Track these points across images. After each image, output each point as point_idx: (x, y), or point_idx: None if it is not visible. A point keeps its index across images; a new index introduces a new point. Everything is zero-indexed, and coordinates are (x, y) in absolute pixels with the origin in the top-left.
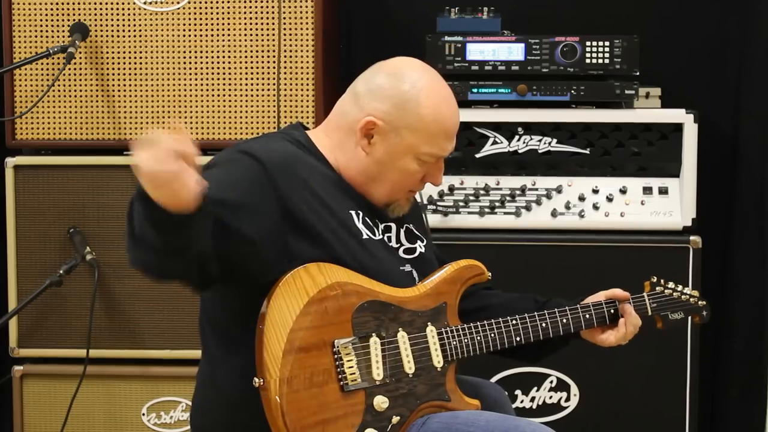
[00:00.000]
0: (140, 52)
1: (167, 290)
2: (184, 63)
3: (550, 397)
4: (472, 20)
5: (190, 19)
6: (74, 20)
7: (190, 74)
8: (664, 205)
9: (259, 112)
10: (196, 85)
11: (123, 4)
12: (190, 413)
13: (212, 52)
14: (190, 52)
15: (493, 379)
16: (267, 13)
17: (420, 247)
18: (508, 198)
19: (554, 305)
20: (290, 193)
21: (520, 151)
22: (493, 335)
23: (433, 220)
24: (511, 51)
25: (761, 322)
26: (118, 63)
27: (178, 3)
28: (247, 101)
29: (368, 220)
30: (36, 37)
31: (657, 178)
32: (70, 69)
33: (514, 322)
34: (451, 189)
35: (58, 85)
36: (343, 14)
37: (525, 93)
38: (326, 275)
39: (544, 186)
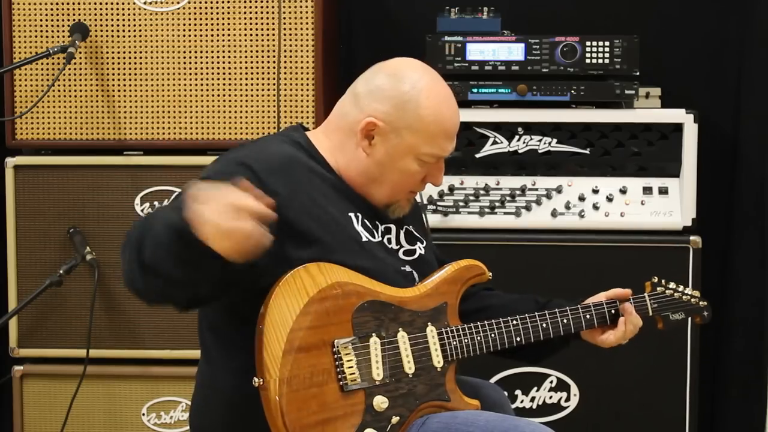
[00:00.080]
0: (140, 52)
1: None
2: (184, 63)
3: (550, 397)
4: (472, 20)
5: (190, 19)
6: (74, 20)
7: (190, 74)
8: (664, 205)
9: (259, 112)
10: (196, 85)
11: (123, 4)
12: (190, 414)
13: (212, 52)
14: (190, 52)
15: (493, 380)
16: (267, 13)
17: (420, 248)
18: (508, 198)
19: (555, 306)
20: (288, 202)
21: (520, 151)
22: (493, 335)
23: (433, 220)
24: (511, 51)
25: (761, 322)
26: (118, 63)
27: (178, 3)
28: (247, 101)
29: (367, 223)
30: (36, 37)
31: (657, 178)
32: (70, 69)
33: (514, 322)
34: (451, 189)
35: (58, 85)
36: (343, 14)
37: (525, 93)
38: (326, 275)
39: (544, 186)
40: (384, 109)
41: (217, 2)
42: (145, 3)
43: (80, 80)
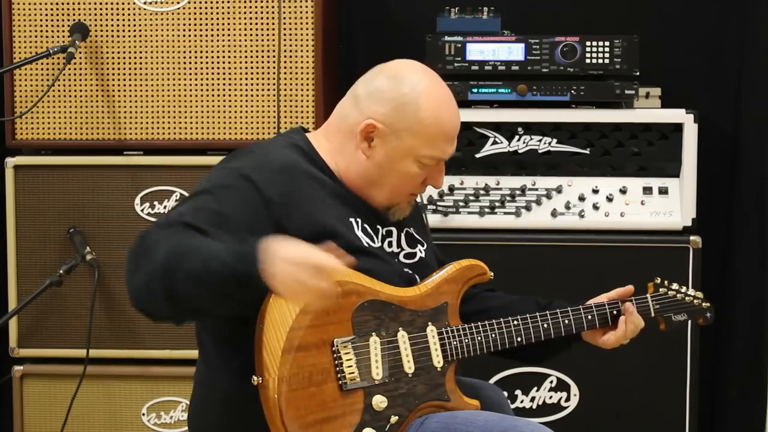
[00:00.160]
0: (140, 52)
1: None
2: (184, 63)
3: (550, 397)
4: (472, 20)
5: (190, 19)
6: (74, 20)
7: (190, 74)
8: (664, 205)
9: (259, 112)
10: (196, 85)
11: (123, 4)
12: (188, 413)
13: (212, 52)
14: (190, 52)
15: (493, 380)
16: (267, 13)
17: (420, 251)
18: (508, 198)
19: (556, 307)
20: (288, 211)
21: (520, 151)
22: (494, 335)
23: (433, 220)
24: (511, 51)
25: (761, 322)
26: (118, 63)
27: (178, 3)
28: (247, 101)
29: (368, 228)
30: (36, 37)
31: (657, 178)
32: (70, 69)
33: (515, 322)
34: (451, 189)
35: (58, 85)
36: (343, 14)
37: (525, 93)
38: None
39: (544, 186)
40: (383, 111)
41: (217, 2)
42: (145, 3)
43: (80, 80)
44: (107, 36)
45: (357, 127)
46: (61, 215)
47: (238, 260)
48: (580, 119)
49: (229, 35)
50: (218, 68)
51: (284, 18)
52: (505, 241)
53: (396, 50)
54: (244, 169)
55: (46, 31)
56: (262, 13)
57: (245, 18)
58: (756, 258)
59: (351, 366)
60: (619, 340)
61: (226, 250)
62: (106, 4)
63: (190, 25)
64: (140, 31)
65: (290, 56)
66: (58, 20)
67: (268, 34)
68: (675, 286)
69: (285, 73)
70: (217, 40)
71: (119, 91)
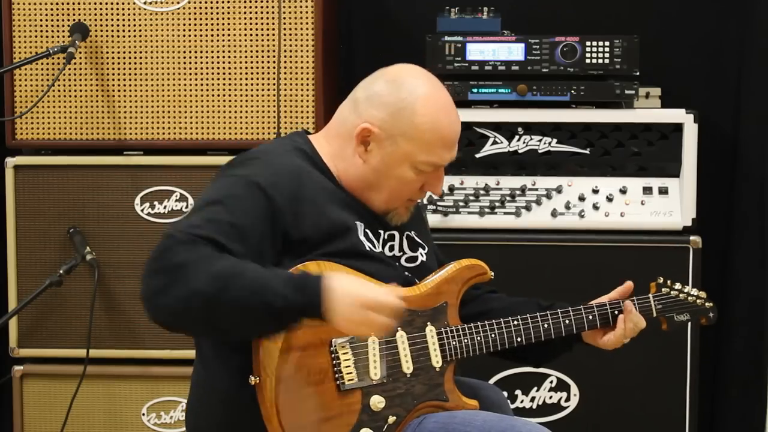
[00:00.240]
0: (140, 52)
1: None
2: (184, 63)
3: (550, 397)
4: (472, 20)
5: (190, 19)
6: (74, 20)
7: (190, 74)
8: (664, 205)
9: (259, 112)
10: (196, 85)
11: (123, 4)
12: (185, 414)
13: (212, 52)
14: (190, 52)
15: (493, 380)
16: (267, 13)
17: (422, 254)
18: (508, 198)
19: (557, 308)
20: (296, 218)
21: (520, 151)
22: (493, 336)
23: (433, 220)
24: (511, 51)
25: (761, 322)
26: (118, 63)
27: (178, 3)
28: (247, 101)
29: (369, 232)
30: (36, 37)
31: (657, 178)
32: (70, 69)
33: (515, 322)
34: (451, 189)
35: (58, 85)
36: (343, 14)
37: (525, 93)
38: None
39: (544, 186)
40: (380, 115)
41: (217, 2)
42: (145, 3)
43: (80, 80)
44: (107, 36)
45: (354, 130)
46: (61, 215)
47: (295, 292)
48: (580, 119)
49: (229, 35)
50: (218, 68)
51: (284, 18)
52: (505, 241)
53: (396, 50)
54: (253, 176)
55: (46, 31)
56: (262, 13)
57: (245, 18)
58: (756, 258)
59: (349, 366)
60: (619, 340)
61: (278, 279)
62: (106, 4)
63: (190, 25)
64: (140, 31)
65: (290, 56)
66: (58, 20)
67: (268, 34)
68: (678, 286)
69: (285, 73)
70: (217, 40)
71: (119, 91)
